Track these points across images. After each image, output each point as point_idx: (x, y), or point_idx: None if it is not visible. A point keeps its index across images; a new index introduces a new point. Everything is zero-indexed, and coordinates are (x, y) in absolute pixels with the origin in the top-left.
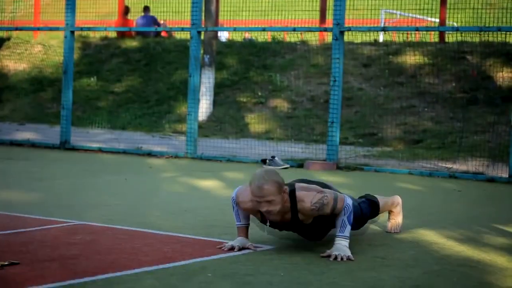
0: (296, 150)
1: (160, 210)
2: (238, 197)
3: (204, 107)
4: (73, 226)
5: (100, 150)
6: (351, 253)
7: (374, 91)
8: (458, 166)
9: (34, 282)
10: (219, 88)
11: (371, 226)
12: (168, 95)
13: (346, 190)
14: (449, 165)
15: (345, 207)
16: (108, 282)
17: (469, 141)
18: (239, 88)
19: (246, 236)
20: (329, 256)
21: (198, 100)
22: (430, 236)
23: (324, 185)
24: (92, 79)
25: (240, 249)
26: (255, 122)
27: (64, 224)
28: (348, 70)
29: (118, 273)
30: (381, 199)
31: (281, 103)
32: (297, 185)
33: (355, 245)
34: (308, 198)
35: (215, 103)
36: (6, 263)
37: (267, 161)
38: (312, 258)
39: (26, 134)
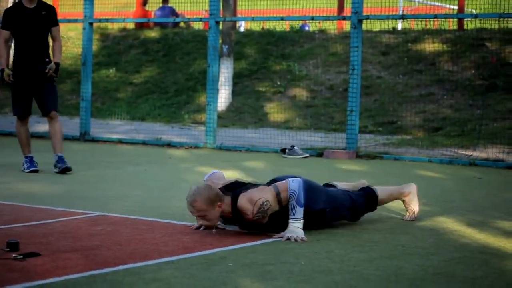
0: (316, 139)
1: (180, 200)
2: None
3: (223, 97)
4: (94, 217)
5: (120, 141)
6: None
7: (393, 79)
8: (478, 154)
9: (56, 273)
10: (238, 78)
11: (391, 215)
12: (187, 85)
13: (366, 178)
14: (469, 152)
15: (290, 194)
16: (129, 272)
17: (489, 128)
18: (258, 78)
19: None
20: (282, 237)
21: (217, 90)
22: (451, 224)
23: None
24: (111, 70)
25: (206, 228)
26: (274, 112)
27: (85, 215)
28: (366, 59)
29: (139, 263)
30: (384, 191)
31: (300, 92)
32: (241, 195)
33: (375, 233)
34: (249, 210)
35: (234, 93)
36: (28, 254)
37: (287, 150)
38: (333, 247)
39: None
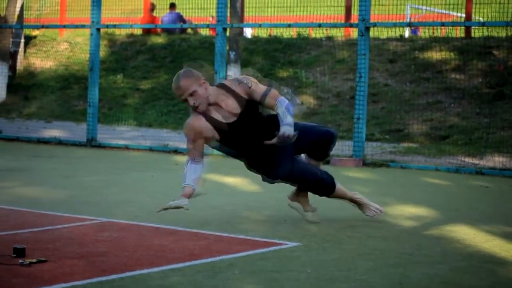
0: None
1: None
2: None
3: None
4: (101, 223)
5: (127, 147)
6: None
7: (400, 86)
8: (485, 162)
9: (62, 279)
10: None
11: (397, 222)
12: None
13: (372, 186)
14: (475, 161)
15: (279, 101)
16: (135, 279)
17: (496, 136)
18: None
19: (188, 197)
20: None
21: None
22: (457, 233)
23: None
24: (118, 76)
25: (174, 207)
26: None
27: (92, 221)
28: (373, 66)
29: (146, 270)
30: (342, 189)
31: (307, 99)
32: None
33: (381, 241)
34: (234, 77)
35: None
36: (34, 260)
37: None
38: (339, 255)
39: (53, 131)
